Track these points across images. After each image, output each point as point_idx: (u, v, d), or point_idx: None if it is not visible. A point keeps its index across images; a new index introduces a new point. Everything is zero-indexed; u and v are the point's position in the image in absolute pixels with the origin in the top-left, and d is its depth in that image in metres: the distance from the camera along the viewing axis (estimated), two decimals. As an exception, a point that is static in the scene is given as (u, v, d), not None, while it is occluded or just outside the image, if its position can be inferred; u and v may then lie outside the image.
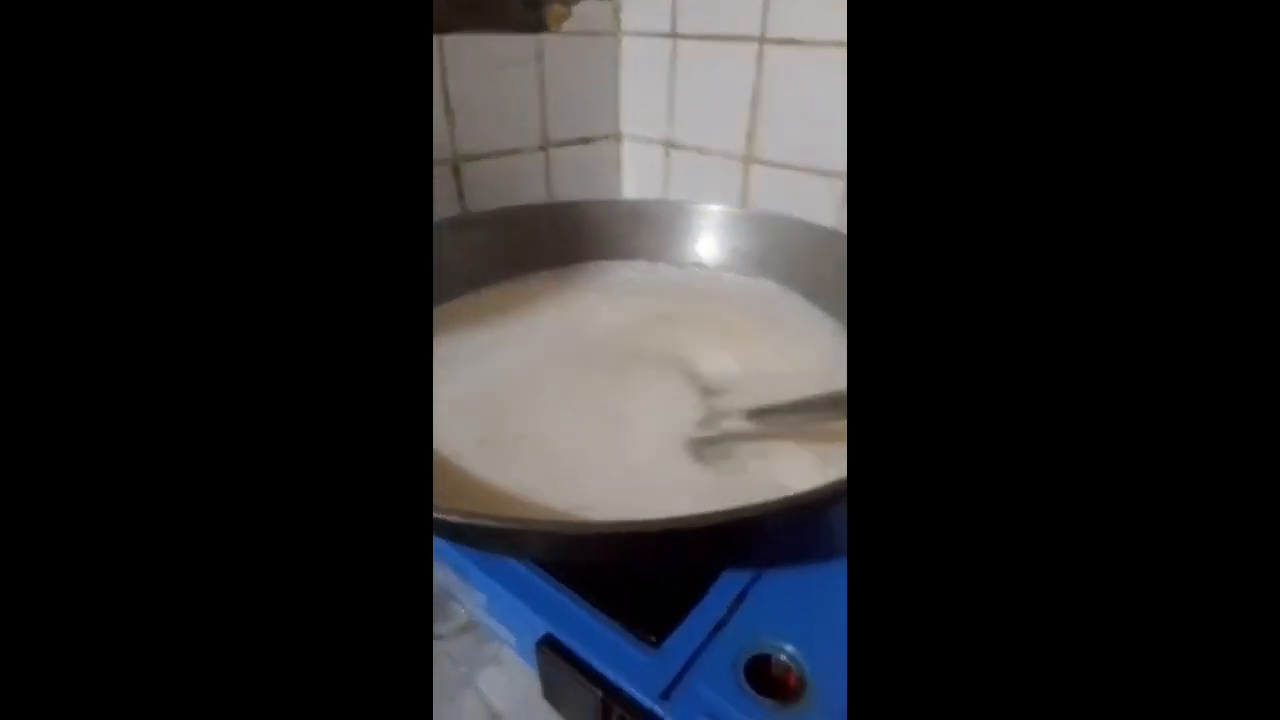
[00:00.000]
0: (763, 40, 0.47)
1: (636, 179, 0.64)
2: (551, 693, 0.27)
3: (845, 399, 0.28)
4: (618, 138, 0.62)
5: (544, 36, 0.52)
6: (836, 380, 0.30)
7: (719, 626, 0.25)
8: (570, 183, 0.59)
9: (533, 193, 0.57)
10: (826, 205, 0.49)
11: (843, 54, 0.44)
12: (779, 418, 0.32)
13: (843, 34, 0.43)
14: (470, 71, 0.48)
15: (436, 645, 0.31)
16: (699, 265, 0.50)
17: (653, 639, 0.25)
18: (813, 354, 0.38)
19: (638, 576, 0.27)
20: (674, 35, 0.53)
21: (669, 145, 0.59)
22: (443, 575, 0.30)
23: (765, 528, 0.25)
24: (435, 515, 0.19)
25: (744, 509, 0.18)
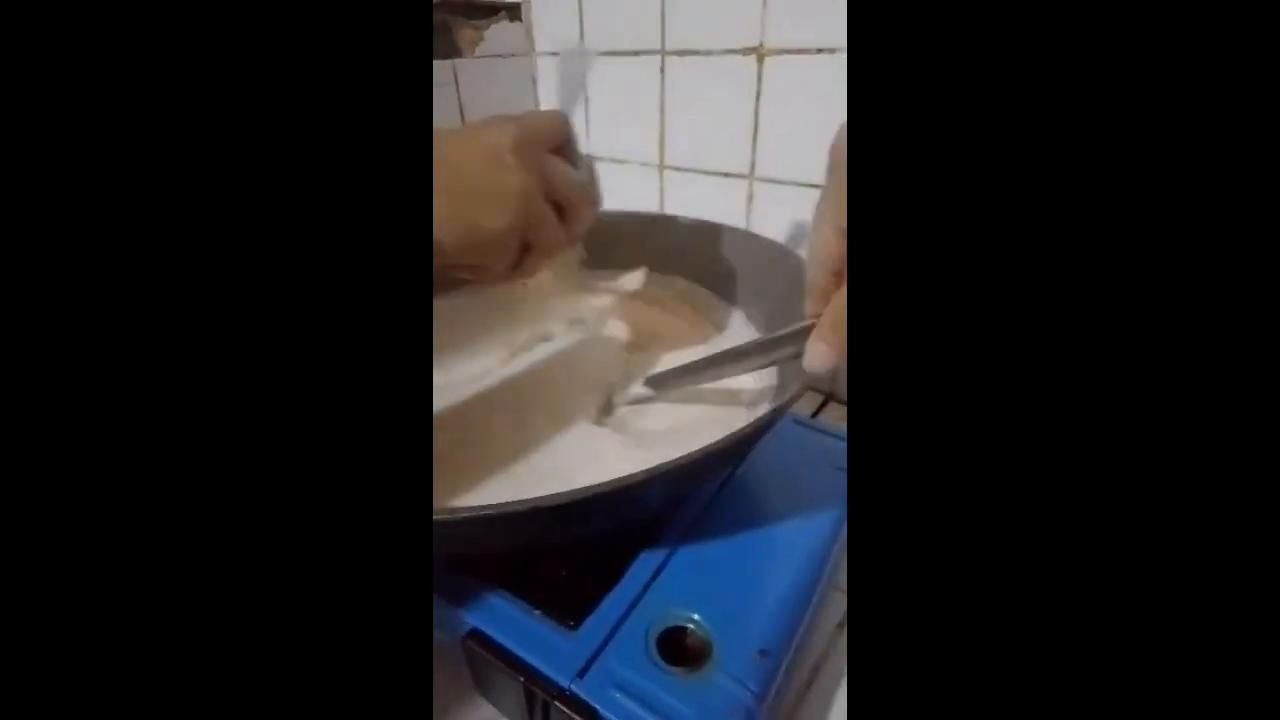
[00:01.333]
0: (663, 52, 0.50)
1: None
2: (480, 684, 0.28)
3: (725, 355, 0.31)
4: (542, 153, 0.64)
5: (458, 61, 0.54)
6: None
7: (633, 605, 0.27)
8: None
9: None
10: (732, 204, 0.52)
11: (736, 60, 0.47)
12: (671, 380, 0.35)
13: (732, 42, 0.46)
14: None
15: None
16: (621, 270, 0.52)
17: (571, 623, 0.26)
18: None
19: (557, 566, 0.29)
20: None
21: (589, 157, 0.61)
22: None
23: (645, 494, 0.26)
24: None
25: (621, 479, 0.20)
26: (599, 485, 0.20)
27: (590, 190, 0.30)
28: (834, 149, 0.22)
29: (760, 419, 0.24)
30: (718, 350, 0.32)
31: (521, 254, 0.29)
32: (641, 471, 0.20)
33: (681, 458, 0.21)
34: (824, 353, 0.23)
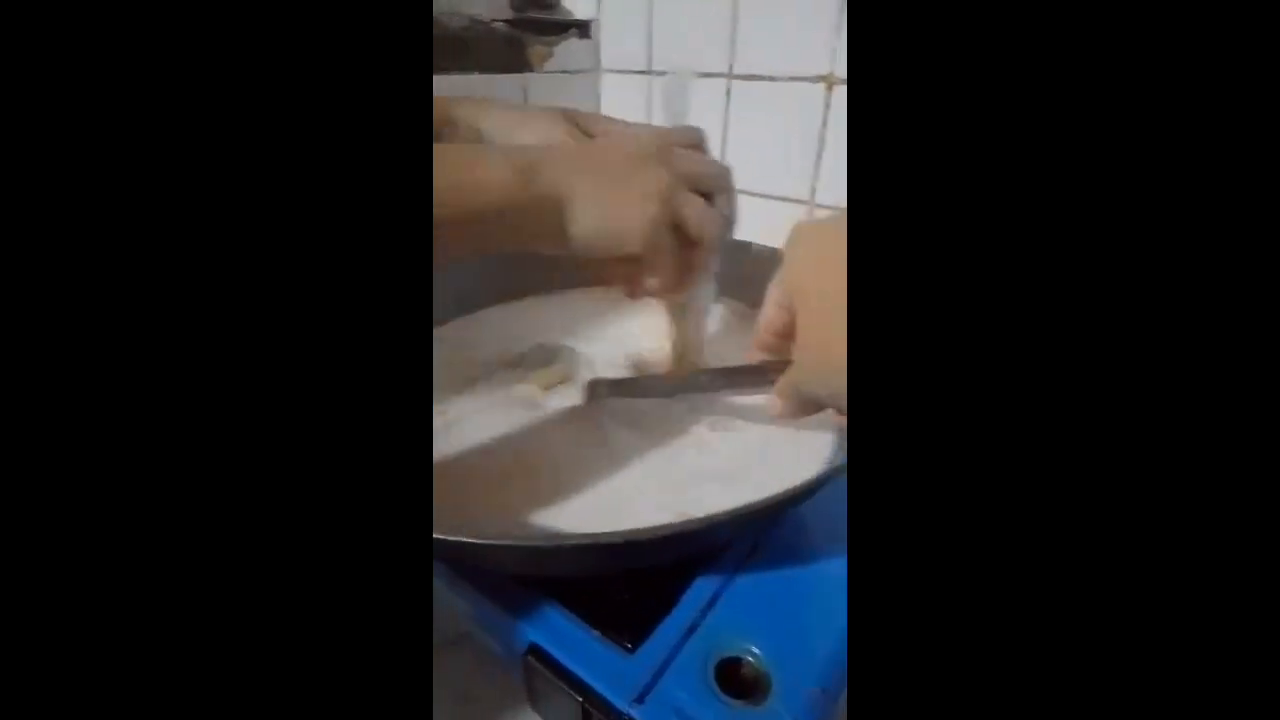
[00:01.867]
0: (730, 76, 0.50)
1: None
2: (536, 700, 0.28)
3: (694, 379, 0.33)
4: (600, 168, 0.65)
5: (528, 75, 0.55)
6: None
7: (691, 631, 0.27)
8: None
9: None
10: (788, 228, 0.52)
11: (799, 87, 0.47)
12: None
13: (800, 70, 0.46)
14: (457, 111, 0.50)
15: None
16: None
17: (628, 645, 0.26)
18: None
19: (616, 586, 0.29)
20: (650, 72, 0.56)
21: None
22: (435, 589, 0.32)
23: (715, 535, 0.27)
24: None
25: (692, 521, 0.21)
26: (686, 523, 0.20)
27: (728, 179, 0.32)
28: (789, 238, 0.26)
29: (830, 471, 0.24)
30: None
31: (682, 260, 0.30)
32: (725, 511, 0.21)
33: (765, 499, 0.21)
34: (777, 408, 0.27)
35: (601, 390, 0.36)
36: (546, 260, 0.30)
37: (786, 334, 0.26)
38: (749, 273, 0.45)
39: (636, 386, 0.36)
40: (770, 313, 0.27)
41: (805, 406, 0.27)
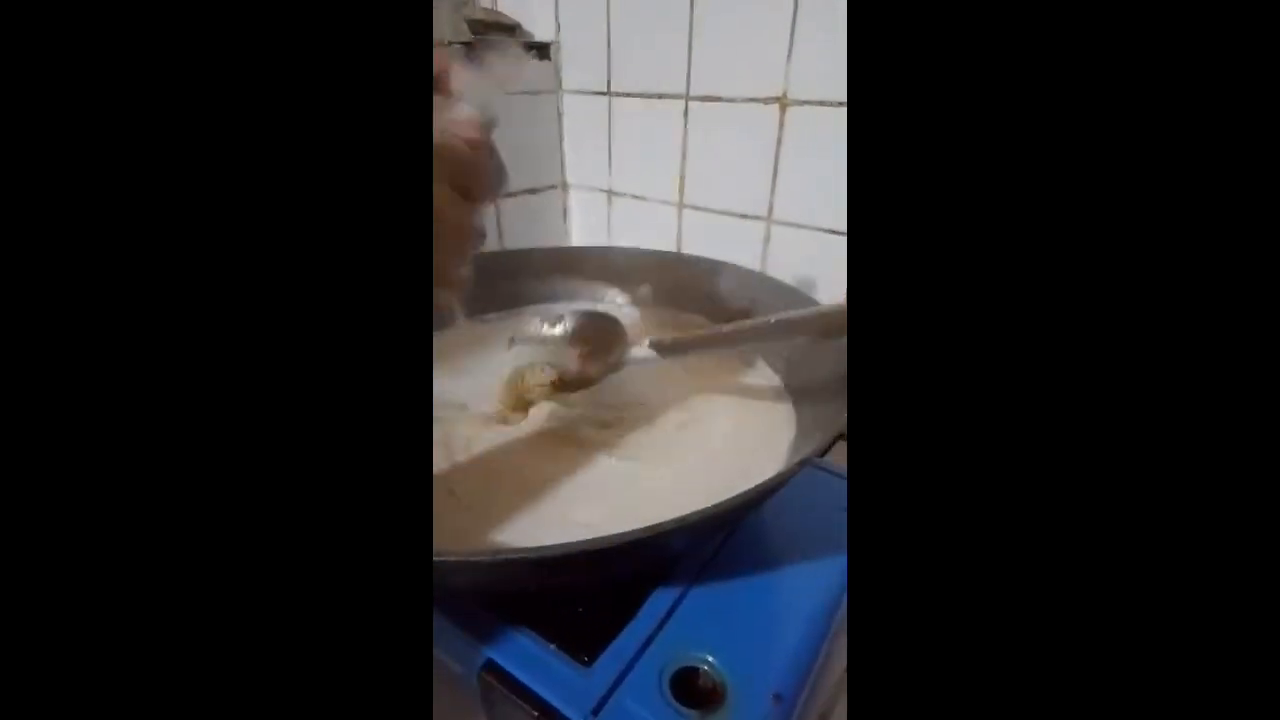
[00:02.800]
0: (687, 97, 0.52)
1: (582, 223, 0.67)
2: (493, 717, 0.28)
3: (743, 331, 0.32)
4: (564, 187, 0.66)
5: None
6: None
7: (648, 642, 0.27)
8: (521, 230, 0.62)
9: (486, 240, 0.60)
10: (748, 244, 0.53)
11: (755, 109, 0.48)
12: None
13: (755, 91, 0.48)
14: (417, 131, 0.51)
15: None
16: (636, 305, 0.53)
17: (585, 659, 0.26)
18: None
19: (573, 600, 0.29)
20: (609, 94, 0.57)
21: (610, 193, 0.62)
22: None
23: (670, 543, 0.27)
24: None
25: (646, 529, 0.21)
26: (634, 532, 0.20)
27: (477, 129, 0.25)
28: None
29: (789, 470, 0.25)
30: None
31: None
32: (672, 520, 0.21)
33: (716, 505, 0.22)
34: None
35: (675, 347, 0.36)
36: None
37: None
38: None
39: (696, 341, 0.36)
40: None
41: None
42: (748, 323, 0.33)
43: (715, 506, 0.22)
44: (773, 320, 0.32)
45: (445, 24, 0.53)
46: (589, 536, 0.20)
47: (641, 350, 0.37)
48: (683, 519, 0.21)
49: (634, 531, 0.20)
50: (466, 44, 0.52)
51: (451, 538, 0.29)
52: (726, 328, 0.34)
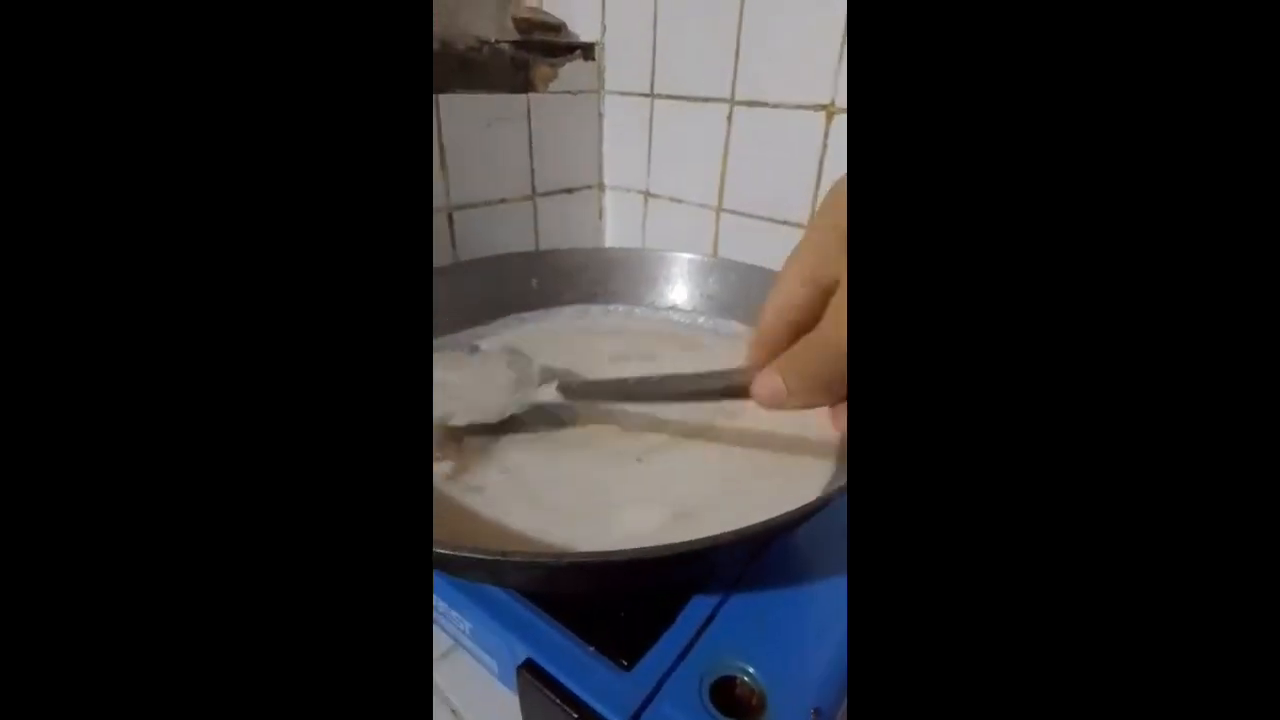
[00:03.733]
0: (732, 102, 0.51)
1: (617, 225, 0.67)
2: (530, 716, 0.28)
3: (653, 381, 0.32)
4: (600, 188, 0.66)
5: (532, 95, 0.56)
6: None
7: (687, 649, 0.27)
8: (556, 230, 0.63)
9: (521, 239, 0.60)
10: (786, 251, 0.52)
11: (801, 115, 0.48)
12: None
13: (802, 98, 0.47)
14: (463, 128, 0.51)
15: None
16: (673, 309, 0.53)
17: (624, 662, 0.26)
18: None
19: (614, 602, 0.29)
20: (652, 95, 0.57)
21: (647, 195, 0.62)
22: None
23: (719, 556, 0.27)
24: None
25: (698, 540, 0.21)
26: (697, 541, 0.20)
27: None
28: (824, 201, 0.23)
29: (830, 494, 0.25)
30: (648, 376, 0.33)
31: None
32: (731, 531, 0.21)
33: (764, 521, 0.22)
34: (776, 387, 0.24)
35: (574, 390, 0.35)
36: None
37: (799, 319, 0.24)
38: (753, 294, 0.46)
39: (607, 389, 0.35)
40: (788, 290, 0.24)
41: (814, 391, 0.24)
42: (653, 377, 0.33)
43: (767, 521, 0.22)
44: (675, 376, 0.32)
45: (491, 23, 0.54)
46: (639, 545, 0.20)
47: (548, 392, 0.36)
48: (740, 531, 0.21)
49: (696, 541, 0.20)
50: (514, 43, 0.53)
51: (486, 536, 0.29)
52: (632, 380, 0.33)
